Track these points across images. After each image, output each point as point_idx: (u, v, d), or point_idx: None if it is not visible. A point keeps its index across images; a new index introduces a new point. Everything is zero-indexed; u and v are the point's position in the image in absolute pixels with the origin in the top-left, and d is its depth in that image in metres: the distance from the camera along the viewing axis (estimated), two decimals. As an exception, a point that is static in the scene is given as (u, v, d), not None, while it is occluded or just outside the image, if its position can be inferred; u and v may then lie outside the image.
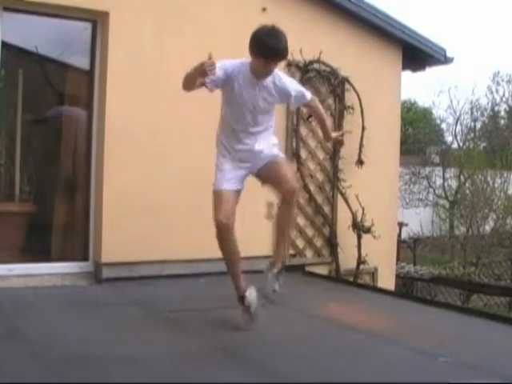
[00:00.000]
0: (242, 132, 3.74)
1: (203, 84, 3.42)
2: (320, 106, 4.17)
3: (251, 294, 3.77)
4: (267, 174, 3.77)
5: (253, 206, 4.65)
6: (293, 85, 3.85)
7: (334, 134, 4.39)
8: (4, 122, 5.47)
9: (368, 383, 3.03)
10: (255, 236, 4.99)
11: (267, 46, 3.44)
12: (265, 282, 3.85)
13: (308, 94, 3.93)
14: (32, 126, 5.70)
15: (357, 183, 6.27)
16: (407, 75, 7.30)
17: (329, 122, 4.45)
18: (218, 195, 3.67)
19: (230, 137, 3.79)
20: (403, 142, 9.72)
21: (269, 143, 3.82)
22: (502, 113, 18.62)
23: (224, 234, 3.66)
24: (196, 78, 3.40)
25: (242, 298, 3.78)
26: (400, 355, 3.52)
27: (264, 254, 5.75)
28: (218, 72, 3.43)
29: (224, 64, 3.53)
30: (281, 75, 3.75)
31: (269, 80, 3.64)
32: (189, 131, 5.32)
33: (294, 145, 6.12)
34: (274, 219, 3.96)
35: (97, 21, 5.23)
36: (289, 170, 3.81)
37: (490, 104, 17.82)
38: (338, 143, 4.60)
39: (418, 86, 24.36)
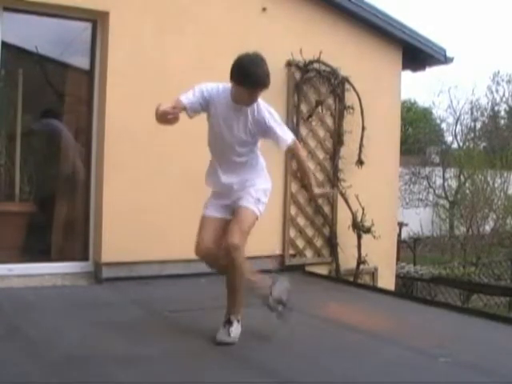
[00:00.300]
0: (220, 162, 3.60)
1: (176, 118, 3.41)
2: (302, 154, 3.81)
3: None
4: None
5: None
6: (272, 121, 3.52)
7: (318, 191, 3.93)
8: (4, 122, 5.47)
9: (368, 383, 3.03)
10: (255, 236, 4.97)
11: (252, 76, 3.34)
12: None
13: (290, 137, 3.59)
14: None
15: (357, 183, 6.27)
16: (407, 75, 7.32)
17: (312, 178, 3.84)
18: (201, 219, 3.65)
19: (211, 167, 3.68)
20: (403, 142, 9.72)
21: (244, 182, 3.59)
22: (502, 113, 18.62)
23: (201, 256, 3.61)
24: (163, 120, 3.43)
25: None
26: (400, 355, 3.52)
27: (264, 254, 5.78)
28: (197, 96, 3.45)
29: (200, 89, 3.49)
30: (262, 107, 3.52)
31: (251, 111, 3.49)
32: (189, 131, 5.29)
33: (294, 145, 6.11)
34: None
35: (97, 21, 5.23)
36: (237, 229, 3.47)
37: (489, 104, 17.83)
38: (322, 197, 4.17)
39: (418, 86, 24.37)
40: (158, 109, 3.35)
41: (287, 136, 3.58)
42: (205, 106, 3.50)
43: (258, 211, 3.59)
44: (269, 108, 3.56)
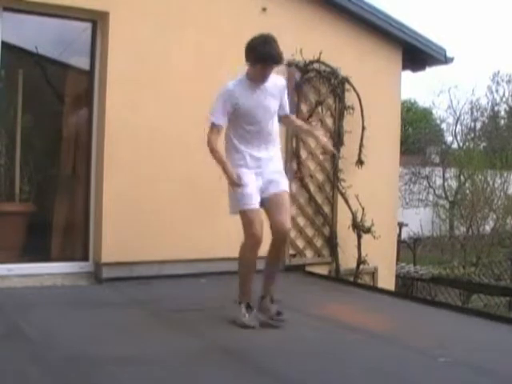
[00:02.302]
0: (253, 141, 3.87)
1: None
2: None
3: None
4: (270, 208, 3.86)
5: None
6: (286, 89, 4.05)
7: (325, 139, 4.33)
8: (4, 122, 5.47)
9: (368, 383, 3.03)
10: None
11: (263, 53, 3.69)
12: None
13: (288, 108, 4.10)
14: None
15: (357, 183, 6.27)
16: (407, 75, 7.31)
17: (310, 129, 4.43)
18: (247, 212, 3.78)
19: (240, 152, 3.87)
20: (403, 142, 9.71)
21: (280, 162, 4.02)
22: (502, 113, 18.60)
23: (257, 247, 3.80)
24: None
25: (249, 306, 3.88)
26: (400, 355, 3.52)
27: (265, 255, 5.77)
28: (225, 109, 3.79)
29: (223, 99, 3.80)
30: (278, 78, 3.98)
31: (269, 82, 3.84)
32: (189, 131, 5.32)
33: (294, 145, 6.12)
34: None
35: (97, 21, 5.23)
36: (288, 215, 3.90)
37: (490, 104, 17.82)
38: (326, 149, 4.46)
39: (418, 86, 24.38)
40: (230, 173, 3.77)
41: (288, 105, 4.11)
42: (232, 108, 3.81)
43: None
44: (282, 78, 4.07)
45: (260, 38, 3.76)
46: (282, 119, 4.12)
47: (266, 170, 3.88)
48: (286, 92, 4.02)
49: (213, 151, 3.80)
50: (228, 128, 3.92)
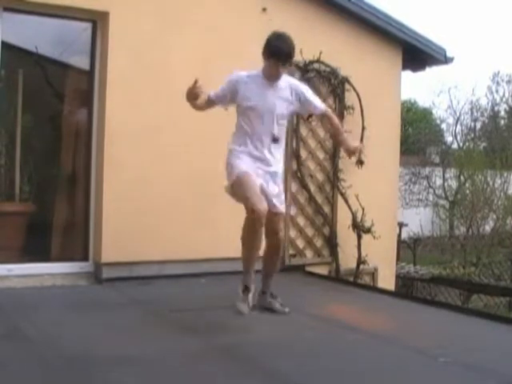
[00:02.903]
0: (258, 139, 3.88)
1: (210, 103, 3.89)
2: (336, 119, 4.24)
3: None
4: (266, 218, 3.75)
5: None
6: (310, 93, 4.07)
7: (355, 144, 4.25)
8: (4, 122, 5.47)
9: (368, 383, 3.03)
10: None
11: (275, 48, 3.80)
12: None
13: (323, 106, 4.15)
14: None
15: (357, 183, 6.27)
16: (407, 75, 7.31)
17: (344, 134, 4.25)
18: (242, 181, 3.73)
19: (244, 146, 3.89)
20: (403, 142, 9.71)
21: (280, 177, 4.03)
22: (502, 113, 18.61)
23: (258, 225, 3.67)
24: (192, 102, 3.85)
25: (246, 288, 3.86)
26: (400, 355, 3.52)
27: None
28: (225, 89, 3.88)
29: (230, 80, 3.91)
30: (298, 83, 4.10)
31: (283, 83, 3.93)
32: (189, 131, 5.32)
33: (294, 145, 6.12)
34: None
35: (97, 21, 5.23)
36: (281, 223, 4.02)
37: (490, 104, 17.84)
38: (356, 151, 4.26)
39: (418, 86, 24.38)
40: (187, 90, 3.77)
41: (322, 105, 4.15)
42: (235, 90, 3.88)
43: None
44: (303, 84, 4.17)
45: (275, 33, 3.89)
46: (321, 119, 4.35)
47: (269, 186, 3.89)
48: (305, 91, 4.03)
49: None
50: (237, 119, 3.97)
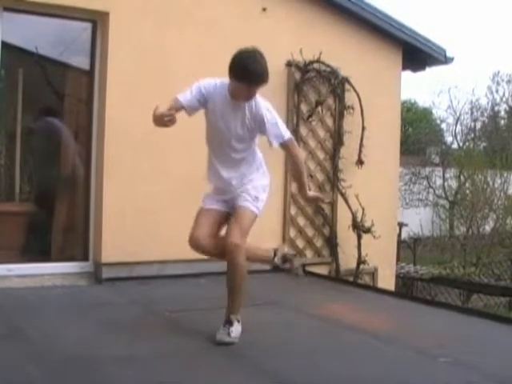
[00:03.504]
0: (218, 157, 3.61)
1: (172, 121, 3.43)
2: (300, 153, 3.76)
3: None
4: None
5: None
6: (270, 116, 3.53)
7: (311, 194, 3.82)
8: (4, 122, 5.47)
9: (368, 383, 3.03)
10: (256, 236, 4.97)
11: (250, 71, 3.36)
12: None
13: (286, 134, 3.59)
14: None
15: (357, 183, 6.27)
16: (407, 75, 7.31)
17: (306, 180, 3.78)
18: (197, 214, 3.67)
19: (210, 163, 3.69)
20: (403, 142, 9.71)
21: (242, 178, 3.60)
22: (502, 113, 18.61)
23: (196, 250, 3.66)
24: (160, 123, 3.45)
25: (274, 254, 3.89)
26: (400, 355, 3.52)
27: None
28: (194, 94, 3.50)
29: (198, 86, 3.53)
30: (260, 103, 3.53)
31: (248, 107, 3.50)
32: (189, 131, 5.31)
33: (294, 145, 6.11)
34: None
35: (97, 21, 5.23)
36: (238, 230, 3.49)
37: (489, 104, 17.84)
38: (314, 201, 3.94)
39: (418, 86, 24.39)
40: (155, 111, 3.40)
41: (283, 133, 3.57)
42: (203, 102, 3.54)
43: (256, 210, 3.60)
44: (267, 104, 3.57)
45: (249, 53, 3.43)
46: (284, 150, 3.72)
47: (232, 192, 3.61)
48: (267, 124, 3.50)
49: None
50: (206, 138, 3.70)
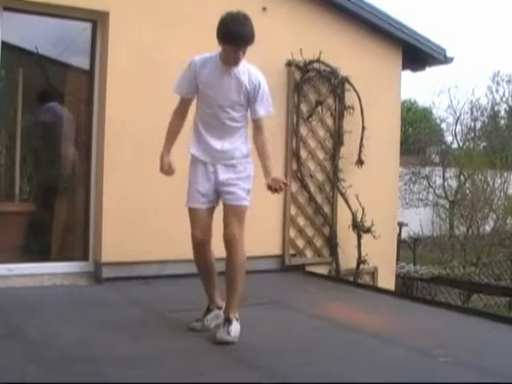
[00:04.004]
0: (211, 127, 3.63)
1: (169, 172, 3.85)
2: (265, 132, 3.68)
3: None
4: (224, 213, 3.65)
5: (256, 205, 4.64)
6: (265, 86, 3.63)
7: (274, 176, 3.60)
8: (4, 122, 5.47)
9: (368, 383, 3.03)
10: (256, 236, 4.98)
11: (233, 33, 3.42)
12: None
13: (268, 111, 3.66)
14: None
15: (357, 183, 6.27)
16: (407, 75, 7.31)
17: (271, 160, 3.65)
18: (189, 211, 3.72)
19: (199, 136, 3.71)
20: (403, 142, 9.72)
21: (233, 151, 3.63)
22: (502, 113, 18.62)
23: (199, 248, 3.70)
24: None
25: (208, 309, 3.78)
26: (400, 355, 3.52)
27: (265, 254, 5.78)
28: (187, 77, 3.60)
29: (188, 68, 3.61)
30: (257, 71, 3.62)
31: (243, 73, 3.55)
32: (189, 130, 5.31)
33: (294, 145, 6.12)
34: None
35: (97, 21, 5.23)
36: (236, 221, 3.57)
37: (489, 104, 17.85)
38: (273, 189, 3.61)
39: (418, 86, 24.39)
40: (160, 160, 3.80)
41: (271, 107, 3.68)
42: (196, 79, 3.59)
43: (248, 203, 3.66)
44: (262, 76, 3.64)
45: (231, 15, 3.49)
46: (252, 124, 3.69)
47: (221, 176, 3.62)
48: (261, 92, 3.57)
49: (169, 123, 3.77)
50: (196, 110, 3.71)
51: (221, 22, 3.52)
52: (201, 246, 3.69)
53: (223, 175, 3.63)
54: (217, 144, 3.63)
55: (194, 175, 3.75)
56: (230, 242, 3.54)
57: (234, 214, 3.58)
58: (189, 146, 3.78)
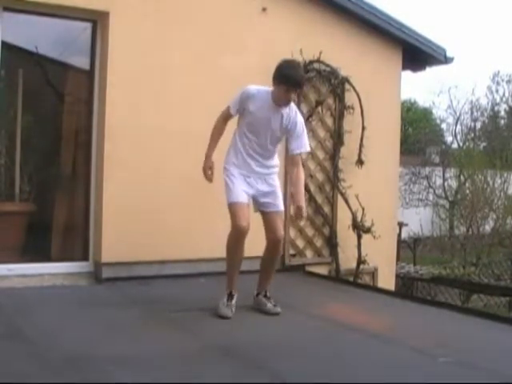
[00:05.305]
0: (250, 149, 4.12)
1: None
2: (301, 167, 4.24)
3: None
4: (266, 219, 4.19)
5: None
6: (302, 126, 4.16)
7: (298, 205, 4.09)
8: (4, 122, 5.47)
9: (368, 383, 3.03)
10: (256, 236, 4.98)
11: (288, 76, 3.94)
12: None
13: (307, 147, 4.23)
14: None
15: (357, 183, 6.27)
16: (407, 75, 7.31)
17: (302, 193, 4.18)
18: (234, 205, 4.04)
19: (237, 153, 4.14)
20: (403, 142, 9.72)
21: (269, 165, 4.21)
22: (502, 113, 18.61)
23: (241, 238, 4.03)
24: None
25: (231, 294, 4.16)
26: (400, 355, 3.52)
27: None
28: (241, 101, 4.05)
29: (243, 94, 4.06)
30: (298, 112, 4.17)
31: (286, 111, 4.07)
32: (189, 131, 5.32)
33: (294, 145, 6.12)
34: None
35: (97, 21, 5.23)
36: (281, 223, 4.21)
37: (489, 104, 17.84)
38: (294, 215, 4.26)
39: (418, 86, 24.40)
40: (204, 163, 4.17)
41: (307, 145, 4.21)
42: (244, 107, 4.07)
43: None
44: (301, 117, 4.23)
45: (286, 61, 4.08)
46: (287, 157, 4.39)
47: (259, 187, 4.14)
48: (299, 129, 4.11)
49: (212, 131, 4.19)
50: (237, 129, 4.18)
51: (278, 66, 4.04)
52: (243, 235, 4.02)
53: (262, 186, 4.16)
54: (253, 164, 4.14)
55: (237, 179, 4.11)
56: (279, 242, 4.16)
57: (280, 219, 4.19)
58: (227, 159, 4.19)
